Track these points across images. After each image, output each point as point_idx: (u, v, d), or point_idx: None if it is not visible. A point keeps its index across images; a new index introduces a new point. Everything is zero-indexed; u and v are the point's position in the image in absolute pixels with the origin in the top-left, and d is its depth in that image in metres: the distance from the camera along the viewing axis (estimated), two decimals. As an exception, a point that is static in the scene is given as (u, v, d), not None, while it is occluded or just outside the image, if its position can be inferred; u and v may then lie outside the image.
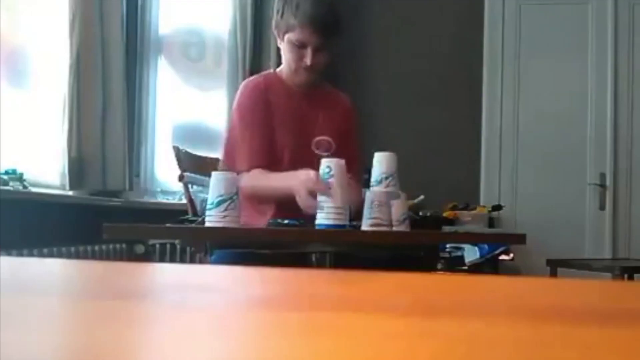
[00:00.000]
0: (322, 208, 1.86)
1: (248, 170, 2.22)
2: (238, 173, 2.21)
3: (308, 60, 2.20)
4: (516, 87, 4.76)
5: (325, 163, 1.92)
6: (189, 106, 4.15)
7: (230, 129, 2.35)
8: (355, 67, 4.84)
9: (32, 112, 3.15)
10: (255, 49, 4.25)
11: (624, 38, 4.70)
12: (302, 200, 1.91)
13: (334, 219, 1.86)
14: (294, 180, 1.96)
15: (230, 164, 2.27)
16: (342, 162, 1.91)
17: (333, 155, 2.19)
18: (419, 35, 4.83)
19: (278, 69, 2.38)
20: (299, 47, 2.21)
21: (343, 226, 1.87)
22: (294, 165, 2.12)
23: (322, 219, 1.86)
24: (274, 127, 2.27)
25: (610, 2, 4.70)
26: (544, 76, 4.75)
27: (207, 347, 0.30)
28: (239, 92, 2.35)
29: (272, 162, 2.21)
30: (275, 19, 2.29)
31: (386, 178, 2.04)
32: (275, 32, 2.31)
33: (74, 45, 3.14)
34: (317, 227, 1.87)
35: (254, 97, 2.30)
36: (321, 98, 2.37)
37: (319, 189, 1.87)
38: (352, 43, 4.92)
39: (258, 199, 2.26)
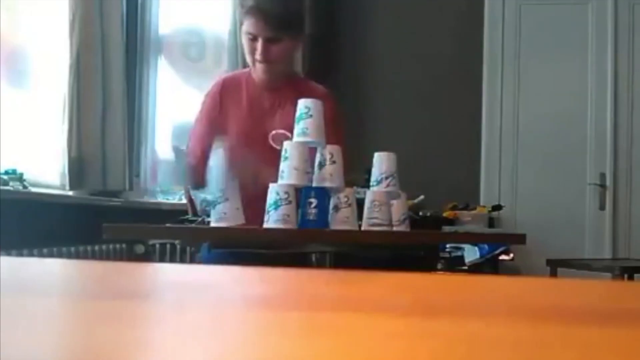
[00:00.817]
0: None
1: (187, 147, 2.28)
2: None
3: (258, 53, 2.14)
4: (516, 87, 4.76)
5: (302, 103, 1.89)
6: (189, 106, 4.15)
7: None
8: (355, 68, 4.84)
9: (32, 112, 3.15)
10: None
11: (624, 38, 4.70)
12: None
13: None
14: None
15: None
16: (319, 102, 1.89)
17: None
18: (419, 35, 4.83)
19: None
20: (251, 39, 2.16)
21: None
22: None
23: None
24: (227, 122, 2.24)
25: (610, 2, 4.70)
26: (544, 76, 4.75)
27: (207, 346, 0.30)
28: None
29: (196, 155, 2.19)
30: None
31: (386, 178, 2.03)
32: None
33: (74, 45, 3.14)
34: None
35: (212, 92, 2.33)
36: (288, 91, 2.27)
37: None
38: (352, 43, 4.92)
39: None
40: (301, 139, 1.90)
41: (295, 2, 2.25)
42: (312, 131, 1.90)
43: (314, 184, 1.92)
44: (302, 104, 1.91)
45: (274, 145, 2.22)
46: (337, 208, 1.93)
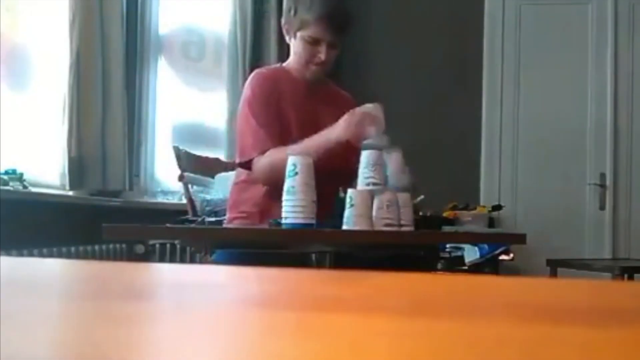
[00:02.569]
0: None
1: (260, 153, 2.19)
2: (249, 162, 2.21)
3: (323, 56, 2.24)
4: (516, 87, 4.76)
5: (291, 160, 1.89)
6: (189, 106, 4.15)
7: (241, 123, 2.28)
8: (355, 68, 4.84)
9: (32, 112, 3.15)
10: (255, 49, 4.25)
11: (624, 38, 4.70)
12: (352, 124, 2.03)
13: (297, 217, 1.85)
14: (336, 129, 2.06)
15: (242, 157, 2.25)
16: (310, 160, 1.89)
17: None
18: (418, 35, 4.83)
19: (284, 64, 2.39)
20: (312, 43, 2.24)
21: (311, 225, 1.86)
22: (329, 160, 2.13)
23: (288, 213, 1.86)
24: (285, 117, 2.26)
25: (610, 2, 4.70)
26: (544, 76, 4.75)
27: (207, 346, 0.30)
28: (249, 82, 2.32)
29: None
30: (286, 16, 2.31)
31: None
32: (285, 29, 2.32)
33: (74, 45, 3.14)
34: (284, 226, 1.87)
35: (265, 87, 2.29)
36: (326, 94, 2.40)
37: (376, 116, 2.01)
38: (351, 43, 4.92)
39: (277, 178, 2.21)
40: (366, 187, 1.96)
41: (349, 9, 2.39)
42: (377, 179, 1.97)
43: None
44: (368, 155, 1.98)
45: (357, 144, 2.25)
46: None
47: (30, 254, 2.67)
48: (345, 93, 2.51)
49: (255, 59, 4.23)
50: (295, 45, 2.29)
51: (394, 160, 2.09)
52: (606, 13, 4.70)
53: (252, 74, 2.37)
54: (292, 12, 2.27)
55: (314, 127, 2.17)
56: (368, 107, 2.11)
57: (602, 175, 4.67)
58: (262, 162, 2.17)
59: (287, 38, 2.33)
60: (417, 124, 4.73)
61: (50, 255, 2.76)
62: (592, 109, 4.70)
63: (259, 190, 2.27)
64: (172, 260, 3.20)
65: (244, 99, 2.30)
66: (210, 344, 0.31)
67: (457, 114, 4.76)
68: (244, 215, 2.31)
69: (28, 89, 3.18)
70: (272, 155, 2.15)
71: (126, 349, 0.30)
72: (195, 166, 2.90)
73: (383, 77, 4.84)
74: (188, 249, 3.14)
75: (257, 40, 4.27)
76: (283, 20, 2.33)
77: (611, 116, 4.68)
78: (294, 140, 2.14)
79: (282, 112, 2.27)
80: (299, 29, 2.25)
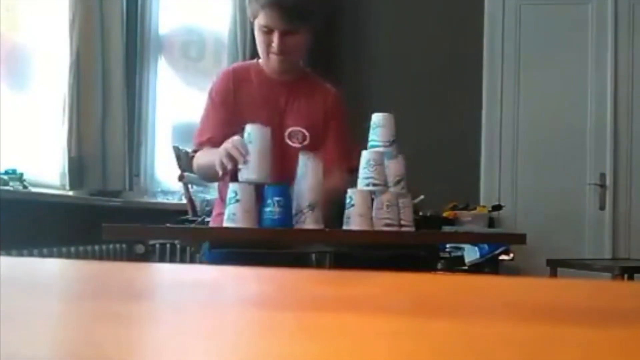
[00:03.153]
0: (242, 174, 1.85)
1: (197, 146, 2.22)
2: (192, 152, 2.24)
3: (275, 45, 2.16)
4: (516, 87, 4.76)
5: (247, 129, 1.88)
6: (189, 106, 4.15)
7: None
8: (355, 67, 4.84)
9: (32, 112, 3.15)
10: (255, 49, 4.24)
11: (624, 38, 4.70)
12: (217, 161, 1.88)
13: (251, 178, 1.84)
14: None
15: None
16: (267, 130, 1.89)
17: (309, 146, 2.16)
18: (418, 35, 4.83)
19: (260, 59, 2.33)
20: (266, 32, 2.17)
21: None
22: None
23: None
24: (242, 115, 2.17)
25: (610, 2, 4.70)
26: (544, 76, 4.75)
27: (207, 346, 0.30)
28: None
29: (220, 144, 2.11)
30: (248, 5, 2.28)
31: (398, 182, 2.05)
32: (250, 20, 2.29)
33: (74, 45, 3.14)
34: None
35: (222, 82, 2.29)
36: (300, 87, 2.30)
37: (234, 153, 1.85)
38: (352, 43, 4.92)
39: (207, 177, 2.26)
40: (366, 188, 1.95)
41: None
42: (377, 180, 1.96)
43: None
44: (368, 155, 1.97)
45: (290, 143, 2.22)
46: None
47: (30, 254, 2.67)
48: (326, 84, 2.40)
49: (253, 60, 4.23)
50: (255, 35, 2.24)
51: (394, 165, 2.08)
52: (606, 13, 4.70)
53: (222, 69, 2.40)
54: (248, 0, 2.24)
55: (275, 124, 2.12)
56: (234, 140, 1.93)
57: (602, 175, 4.67)
58: (195, 160, 2.21)
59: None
60: (417, 124, 4.73)
61: (50, 255, 2.76)
62: (592, 109, 4.70)
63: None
64: (172, 260, 3.20)
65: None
66: (210, 343, 0.31)
67: (457, 114, 4.75)
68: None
69: (28, 89, 3.18)
70: (200, 159, 2.18)
71: (126, 349, 0.30)
72: (195, 166, 2.90)
73: (383, 77, 4.84)
74: (188, 249, 3.14)
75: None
76: (247, 11, 2.30)
77: (611, 116, 4.68)
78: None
79: (243, 104, 2.23)
80: (254, 18, 2.19)
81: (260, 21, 2.16)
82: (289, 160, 1.99)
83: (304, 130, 2.25)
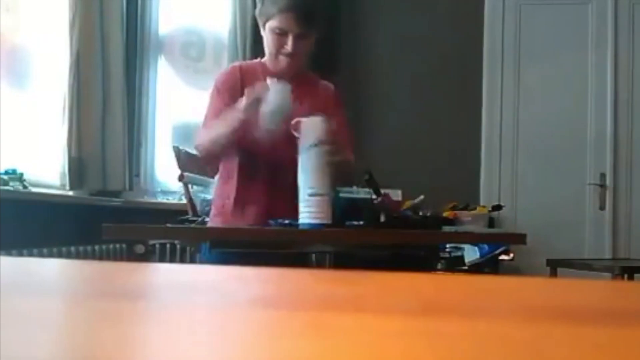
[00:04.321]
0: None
1: (200, 135, 2.28)
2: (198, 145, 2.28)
3: (289, 47, 2.23)
4: (516, 87, 4.76)
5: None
6: (189, 106, 4.15)
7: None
8: (355, 67, 4.84)
9: (32, 112, 3.15)
10: (255, 49, 4.24)
11: (624, 38, 4.70)
12: (244, 105, 2.02)
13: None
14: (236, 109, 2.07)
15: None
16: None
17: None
18: (418, 35, 4.83)
19: (263, 59, 2.38)
20: (279, 34, 2.23)
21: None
22: (274, 149, 2.15)
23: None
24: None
25: (610, 2, 4.70)
26: (544, 76, 4.75)
27: (207, 346, 0.30)
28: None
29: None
30: (258, 7, 2.32)
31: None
32: (258, 21, 2.33)
33: (74, 45, 3.14)
34: None
35: (229, 73, 2.35)
36: (303, 86, 2.35)
37: (257, 89, 2.00)
38: (352, 44, 4.92)
39: (218, 151, 2.30)
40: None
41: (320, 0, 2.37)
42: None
43: None
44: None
45: (295, 133, 2.23)
46: None
47: (30, 254, 2.67)
48: (327, 83, 2.48)
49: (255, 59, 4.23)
50: (265, 36, 2.30)
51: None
52: (606, 13, 4.70)
53: (230, 65, 2.44)
54: (261, 2, 2.29)
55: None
56: (265, 85, 2.10)
57: (602, 175, 4.67)
58: (201, 136, 2.27)
59: (260, 30, 2.33)
60: (417, 124, 4.74)
61: (50, 255, 2.76)
62: (592, 109, 4.71)
63: (234, 183, 2.29)
64: (172, 260, 3.20)
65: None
66: (210, 344, 0.31)
67: (457, 114, 4.76)
68: (222, 207, 2.32)
69: (28, 89, 3.18)
70: (209, 132, 2.24)
71: (126, 349, 0.30)
72: (195, 166, 2.90)
73: (383, 77, 4.84)
74: (188, 249, 3.14)
75: (257, 40, 4.27)
76: (256, 12, 2.34)
77: (611, 116, 4.68)
78: (258, 132, 2.19)
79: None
80: (267, 20, 2.25)
81: (274, 24, 2.23)
82: (293, 150, 2.03)
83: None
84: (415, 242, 2.27)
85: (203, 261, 2.36)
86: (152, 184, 3.82)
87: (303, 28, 2.22)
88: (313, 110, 2.29)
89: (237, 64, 2.51)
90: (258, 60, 2.41)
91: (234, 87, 2.29)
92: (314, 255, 2.12)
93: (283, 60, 2.27)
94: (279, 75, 2.29)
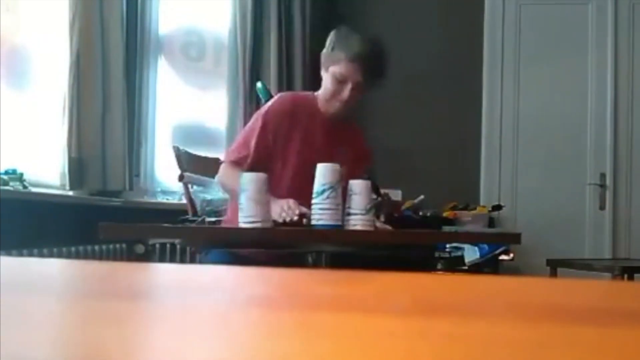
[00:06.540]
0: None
1: (231, 159, 2.33)
2: (223, 161, 2.32)
3: (345, 95, 2.27)
4: (516, 87, 4.76)
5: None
6: (189, 106, 4.15)
7: (247, 125, 2.44)
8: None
9: (32, 112, 3.15)
10: (255, 49, 4.25)
11: (624, 38, 4.70)
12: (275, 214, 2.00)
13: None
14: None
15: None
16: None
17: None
18: (418, 35, 4.83)
19: (317, 92, 2.42)
20: (340, 80, 2.27)
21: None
22: (296, 185, 2.18)
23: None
24: (290, 140, 2.32)
25: (610, 2, 4.70)
26: (544, 76, 4.75)
27: (207, 346, 0.30)
28: (274, 98, 2.47)
29: (254, 166, 2.22)
30: (325, 51, 2.35)
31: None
32: (321, 62, 2.36)
33: (74, 45, 3.14)
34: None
35: (280, 111, 2.37)
36: (343, 131, 2.41)
37: (290, 214, 1.98)
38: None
39: (226, 192, 2.38)
40: None
41: (386, 57, 2.36)
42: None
43: None
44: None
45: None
46: None
47: (30, 254, 2.67)
48: (357, 128, 2.56)
49: (255, 59, 4.23)
50: (325, 78, 2.33)
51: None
52: (606, 13, 4.70)
53: (282, 94, 2.51)
54: (331, 47, 2.32)
55: (314, 157, 2.16)
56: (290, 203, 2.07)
57: (602, 175, 4.67)
58: (219, 173, 2.34)
59: (321, 71, 2.36)
60: (417, 124, 4.73)
61: (50, 255, 2.76)
62: (592, 109, 4.70)
63: None
64: (172, 260, 3.20)
65: (261, 109, 2.43)
66: (209, 343, 0.31)
67: (456, 114, 4.76)
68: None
69: (28, 89, 3.18)
70: (224, 177, 2.32)
71: (126, 349, 0.30)
72: (195, 166, 2.90)
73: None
74: (188, 249, 3.14)
75: (257, 40, 4.27)
76: (322, 54, 2.36)
77: (611, 116, 4.68)
78: (286, 165, 2.29)
79: (290, 137, 2.33)
80: (332, 64, 2.29)
81: (338, 70, 2.27)
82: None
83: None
84: (415, 242, 2.27)
85: (203, 261, 2.36)
86: (152, 184, 3.82)
87: (365, 79, 2.26)
88: (344, 159, 2.27)
89: (289, 95, 2.54)
90: (311, 93, 2.44)
91: (280, 124, 2.33)
92: (310, 256, 2.12)
93: (335, 105, 2.32)
94: (325, 116, 2.35)
